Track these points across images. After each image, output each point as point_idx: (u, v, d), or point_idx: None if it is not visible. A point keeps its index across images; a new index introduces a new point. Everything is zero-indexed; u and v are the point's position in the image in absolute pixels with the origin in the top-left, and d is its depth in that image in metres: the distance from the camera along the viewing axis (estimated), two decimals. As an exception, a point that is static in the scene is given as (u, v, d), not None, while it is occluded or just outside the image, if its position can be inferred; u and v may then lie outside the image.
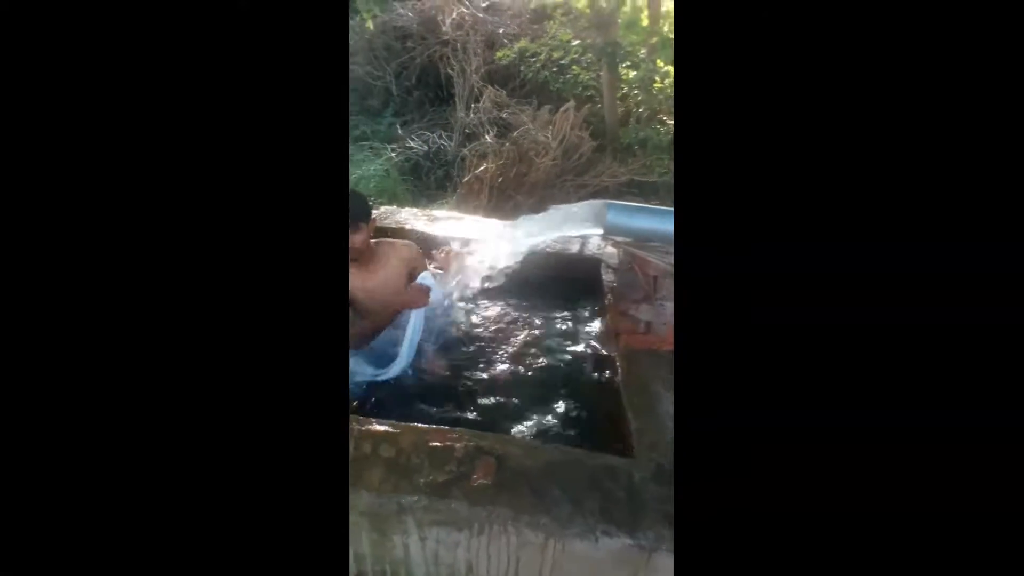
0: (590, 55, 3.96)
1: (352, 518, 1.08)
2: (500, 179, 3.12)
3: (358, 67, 4.36)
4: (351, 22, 4.48)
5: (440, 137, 3.75)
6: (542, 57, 4.09)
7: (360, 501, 1.06)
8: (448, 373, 1.61)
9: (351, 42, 4.48)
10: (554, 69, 4.06)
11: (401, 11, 4.50)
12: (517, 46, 4.17)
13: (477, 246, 1.81)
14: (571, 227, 1.96)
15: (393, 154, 3.61)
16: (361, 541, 1.10)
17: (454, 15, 4.34)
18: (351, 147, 3.64)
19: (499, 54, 4.15)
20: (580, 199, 2.83)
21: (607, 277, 1.88)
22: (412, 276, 1.60)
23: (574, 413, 1.52)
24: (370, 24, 4.36)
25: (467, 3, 4.45)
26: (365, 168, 3.33)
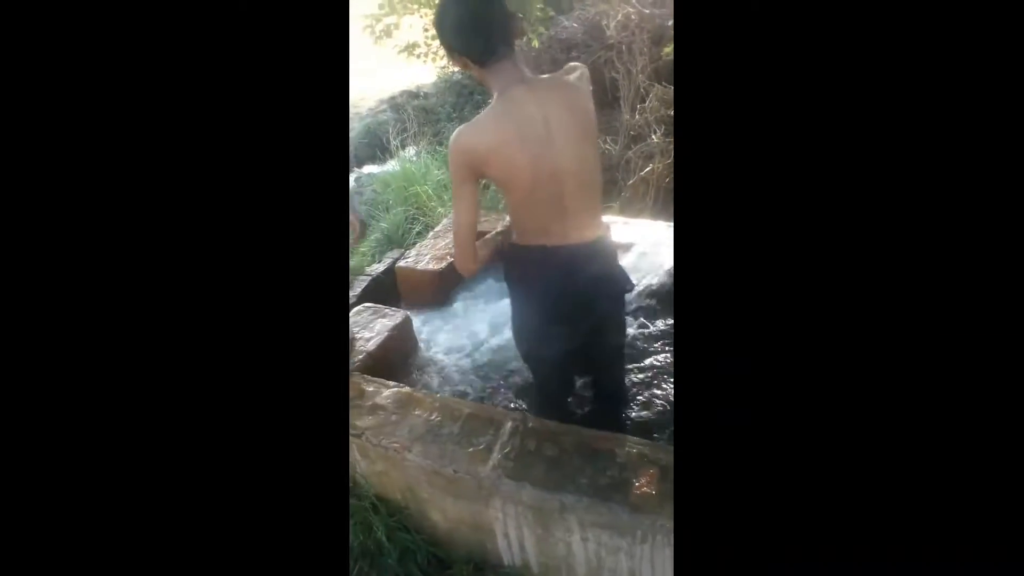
0: (770, 35, 3.58)
1: (517, 509, 1.14)
2: (667, 179, 2.99)
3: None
4: (519, 42, 4.73)
5: (604, 142, 3.75)
6: (714, 45, 3.83)
7: (524, 494, 1.11)
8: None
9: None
10: (728, 56, 3.77)
11: (566, 23, 4.61)
12: (686, 38, 3.97)
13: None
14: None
15: (559, 163, 3.71)
16: (524, 534, 1.16)
17: (619, 17, 4.31)
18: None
19: (666, 50, 4.00)
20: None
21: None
22: None
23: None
24: (535, 43, 4.55)
25: (633, 2, 4.38)
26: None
